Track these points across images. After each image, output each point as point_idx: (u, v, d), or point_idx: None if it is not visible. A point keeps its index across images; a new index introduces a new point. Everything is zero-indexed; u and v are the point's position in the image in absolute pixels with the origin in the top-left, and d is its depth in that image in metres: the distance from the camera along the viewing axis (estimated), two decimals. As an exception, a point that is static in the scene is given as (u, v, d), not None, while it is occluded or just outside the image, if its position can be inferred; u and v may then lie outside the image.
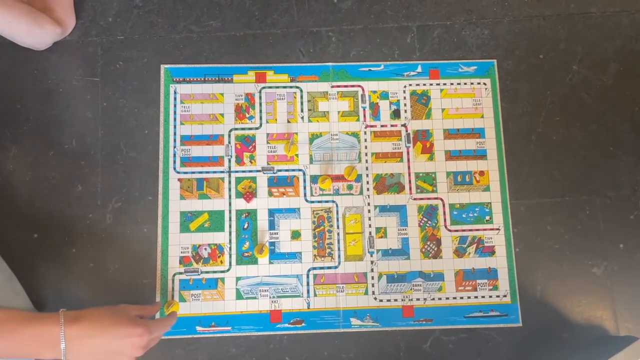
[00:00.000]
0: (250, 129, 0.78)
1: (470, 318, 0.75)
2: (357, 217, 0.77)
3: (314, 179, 0.77)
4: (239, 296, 0.74)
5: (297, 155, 0.78)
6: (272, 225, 0.76)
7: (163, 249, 0.75)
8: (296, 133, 0.78)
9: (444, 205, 0.77)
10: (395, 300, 0.75)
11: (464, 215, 0.77)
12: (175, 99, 0.78)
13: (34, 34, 0.74)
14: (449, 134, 0.79)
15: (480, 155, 0.79)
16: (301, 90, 0.80)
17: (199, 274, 0.74)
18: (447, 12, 0.82)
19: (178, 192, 0.76)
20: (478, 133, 0.79)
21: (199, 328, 0.73)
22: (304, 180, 0.77)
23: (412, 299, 0.75)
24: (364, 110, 0.79)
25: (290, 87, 0.80)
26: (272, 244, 0.75)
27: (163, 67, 0.79)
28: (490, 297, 0.75)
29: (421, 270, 0.76)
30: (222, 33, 0.81)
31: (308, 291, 0.74)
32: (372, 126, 0.79)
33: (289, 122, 0.79)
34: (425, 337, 0.74)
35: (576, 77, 0.81)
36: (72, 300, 0.73)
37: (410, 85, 0.80)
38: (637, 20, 0.83)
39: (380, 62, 0.81)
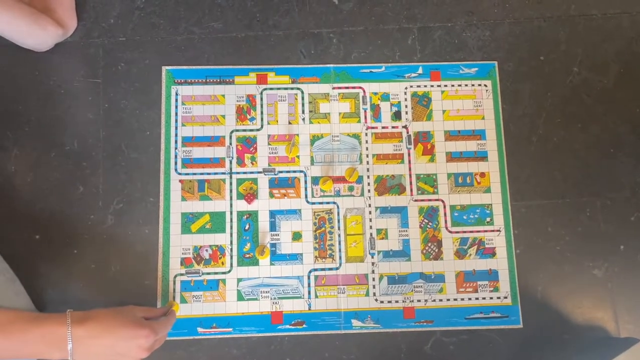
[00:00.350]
0: (251, 130, 0.78)
1: (471, 319, 0.75)
2: (358, 219, 0.77)
3: (315, 180, 0.77)
4: (240, 297, 0.74)
5: (298, 156, 0.78)
6: (273, 227, 0.76)
7: (164, 250, 0.75)
8: (297, 134, 0.78)
9: (444, 207, 0.78)
10: (396, 301, 0.75)
11: (464, 217, 0.77)
12: (176, 100, 0.79)
13: (35, 35, 0.74)
14: (450, 135, 0.79)
15: (481, 156, 0.79)
16: (302, 92, 0.80)
17: (200, 275, 0.74)
18: (448, 14, 0.83)
19: (179, 194, 0.76)
20: (479, 135, 0.80)
21: (200, 329, 0.73)
22: (305, 182, 0.77)
23: (413, 301, 0.75)
24: (365, 111, 0.80)
25: (292, 88, 0.80)
26: (273, 245, 0.76)
27: (164, 68, 0.79)
28: (491, 298, 0.75)
29: (422, 271, 0.76)
30: (224, 34, 0.81)
31: (309, 292, 0.75)
32: (373, 128, 0.79)
33: (290, 123, 0.79)
34: (426, 339, 0.74)
35: (577, 79, 0.82)
36: (73, 301, 0.73)
37: (411, 86, 0.80)
38: (637, 22, 0.83)
39: (381, 63, 0.81)
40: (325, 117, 0.79)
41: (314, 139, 0.78)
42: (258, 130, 0.78)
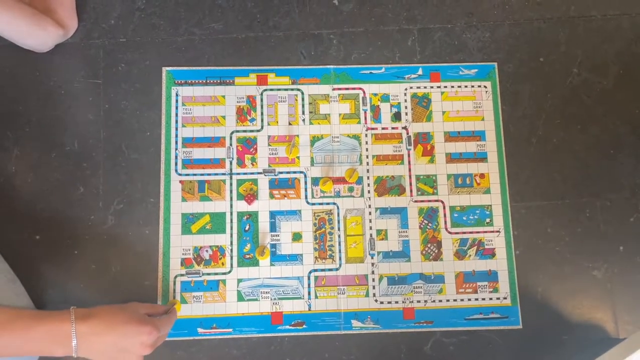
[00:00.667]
0: (251, 131, 0.78)
1: (471, 320, 0.75)
2: (358, 219, 0.77)
3: (315, 181, 0.77)
4: (240, 298, 0.74)
5: (298, 157, 0.78)
6: (273, 227, 0.76)
7: (164, 250, 0.75)
8: (297, 135, 0.79)
9: (444, 208, 0.78)
10: (396, 302, 0.75)
11: (464, 218, 0.78)
12: (177, 101, 0.79)
13: (36, 36, 0.74)
14: (450, 136, 0.80)
15: (481, 157, 0.79)
16: (302, 93, 0.80)
17: (200, 276, 0.74)
18: (448, 15, 0.83)
19: (179, 194, 0.76)
20: (479, 136, 0.80)
21: (200, 330, 0.73)
22: (305, 183, 0.77)
23: (412, 301, 0.75)
24: (365, 112, 0.80)
25: (292, 89, 0.80)
26: (273, 246, 0.76)
27: (165, 69, 0.79)
28: (491, 299, 0.76)
29: (422, 272, 0.76)
30: (224, 35, 0.81)
31: (309, 293, 0.75)
32: (373, 129, 0.79)
33: (290, 124, 0.79)
34: (426, 339, 0.75)
35: (576, 80, 0.82)
36: (73, 302, 0.73)
37: (411, 88, 0.81)
38: (637, 23, 0.84)
39: (381, 64, 0.81)
40: (325, 118, 0.79)
41: (314, 139, 0.79)
42: (258, 131, 0.79)
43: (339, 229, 0.77)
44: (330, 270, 0.75)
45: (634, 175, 0.80)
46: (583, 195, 0.79)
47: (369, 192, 0.78)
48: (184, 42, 0.80)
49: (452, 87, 0.81)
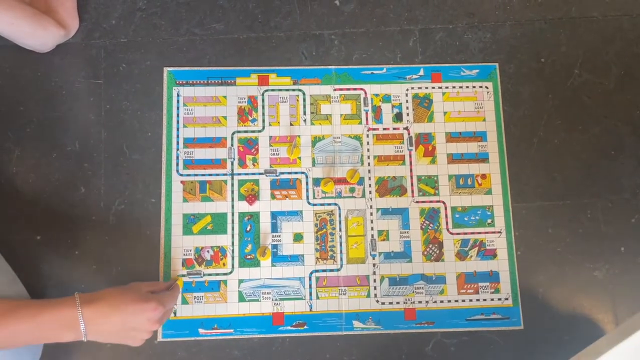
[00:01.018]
0: (253, 131, 0.78)
1: (472, 321, 0.75)
2: (360, 220, 0.77)
3: (317, 181, 0.77)
4: (241, 299, 0.74)
5: (299, 158, 0.78)
6: (274, 228, 0.76)
7: (166, 251, 0.75)
8: (299, 136, 0.78)
9: (445, 208, 0.78)
10: (397, 302, 0.75)
11: (465, 218, 0.78)
12: (178, 101, 0.79)
13: (37, 36, 0.74)
14: (451, 137, 0.80)
15: (482, 158, 0.79)
16: (304, 93, 0.80)
17: (201, 277, 0.74)
18: (449, 16, 0.83)
19: (181, 195, 0.76)
20: (480, 136, 0.80)
21: (201, 330, 0.73)
22: (307, 183, 0.77)
23: (414, 302, 0.75)
24: (367, 113, 0.80)
25: (293, 90, 0.80)
26: (274, 246, 0.76)
27: (166, 69, 0.79)
28: (492, 299, 0.76)
29: (423, 273, 0.76)
30: (225, 36, 0.81)
31: (310, 294, 0.75)
32: (374, 129, 0.79)
33: (291, 124, 0.79)
34: (427, 340, 0.75)
35: (577, 81, 0.82)
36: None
37: (412, 88, 0.81)
38: (638, 24, 0.84)
39: (382, 65, 0.81)
40: (327, 118, 0.79)
41: (315, 140, 0.79)
42: (259, 131, 0.78)
43: (340, 230, 0.77)
44: (331, 270, 0.75)
45: (635, 176, 0.80)
46: (584, 196, 0.79)
47: (370, 192, 0.78)
48: (185, 43, 0.80)
49: (454, 87, 0.81)
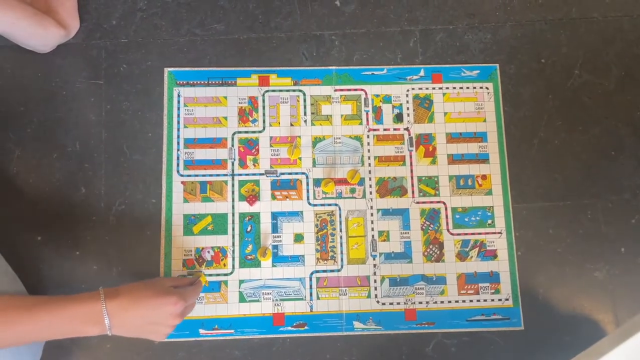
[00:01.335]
0: (253, 132, 0.78)
1: (473, 321, 0.75)
2: (360, 221, 0.77)
3: (317, 182, 0.77)
4: (242, 299, 0.74)
5: (300, 158, 0.78)
6: (275, 229, 0.76)
7: (166, 251, 0.75)
8: (299, 136, 0.79)
9: (446, 209, 0.78)
10: (398, 303, 0.75)
11: (466, 219, 0.78)
12: (178, 102, 0.79)
13: (38, 36, 0.74)
14: (452, 137, 0.80)
15: (483, 159, 0.79)
16: (304, 94, 0.80)
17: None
18: (450, 17, 0.83)
19: (181, 195, 0.76)
20: (480, 137, 0.80)
21: (202, 331, 0.73)
22: (307, 184, 0.77)
23: (414, 302, 0.75)
24: (367, 113, 0.80)
25: (294, 90, 0.80)
26: (275, 247, 0.76)
27: (167, 70, 0.79)
28: (493, 300, 0.76)
29: (423, 273, 0.76)
30: (226, 36, 0.81)
31: (311, 294, 0.75)
32: (375, 130, 0.79)
33: (292, 125, 0.79)
34: (428, 341, 0.75)
35: (578, 82, 0.82)
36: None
37: (413, 89, 0.81)
38: (638, 25, 0.84)
39: (383, 66, 0.81)
40: (327, 119, 0.79)
41: (316, 140, 0.79)
42: (260, 132, 0.79)
43: (340, 230, 0.77)
44: (332, 271, 0.75)
45: (635, 177, 0.80)
46: (584, 196, 0.79)
47: (370, 193, 0.78)
48: (185, 43, 0.80)
49: (454, 88, 0.81)
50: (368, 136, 0.79)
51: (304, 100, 0.80)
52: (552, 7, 0.84)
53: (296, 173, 0.78)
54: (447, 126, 0.80)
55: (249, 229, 0.76)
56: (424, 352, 0.74)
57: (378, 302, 0.75)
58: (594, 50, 0.83)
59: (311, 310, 0.74)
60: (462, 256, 0.77)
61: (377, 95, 0.80)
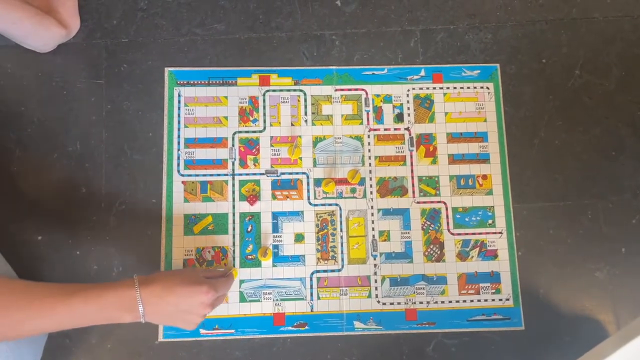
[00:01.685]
0: (254, 132, 0.78)
1: (473, 321, 0.75)
2: (361, 221, 0.77)
3: (318, 182, 0.77)
4: (242, 299, 0.74)
5: (300, 158, 0.78)
6: (275, 228, 0.76)
7: (167, 251, 0.75)
8: (300, 136, 0.78)
9: (447, 209, 0.78)
10: (399, 303, 0.75)
11: (466, 219, 0.78)
12: (179, 101, 0.79)
13: (39, 36, 0.74)
14: (452, 137, 0.80)
15: (483, 159, 0.79)
16: (305, 94, 0.80)
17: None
18: (451, 17, 0.83)
19: (182, 195, 0.76)
20: (481, 137, 0.80)
21: (202, 331, 0.73)
22: (308, 184, 0.77)
23: (415, 302, 0.75)
24: (368, 113, 0.80)
25: (294, 90, 0.80)
26: (275, 247, 0.76)
27: (167, 70, 0.79)
28: (493, 300, 0.76)
29: (424, 273, 0.76)
30: (226, 36, 0.81)
31: (311, 294, 0.75)
32: (375, 130, 0.79)
33: (292, 125, 0.79)
34: (428, 341, 0.75)
35: (578, 82, 0.82)
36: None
37: (413, 89, 0.81)
38: (639, 25, 0.84)
39: (383, 65, 0.81)
40: (328, 119, 0.79)
41: (317, 140, 0.79)
42: (261, 131, 0.78)
43: (341, 230, 0.77)
44: (332, 271, 0.75)
45: (636, 177, 0.80)
46: (585, 196, 0.79)
47: (371, 193, 0.78)
48: (186, 43, 0.80)
49: (455, 88, 0.81)
50: (369, 136, 0.79)
51: (305, 100, 0.80)
52: (553, 7, 0.84)
53: (297, 173, 0.78)
54: (448, 126, 0.80)
55: (249, 229, 0.76)
56: (424, 352, 0.74)
57: (379, 302, 0.75)
58: (595, 51, 0.83)
59: (312, 310, 0.74)
60: (462, 256, 0.76)
61: (378, 95, 0.80)
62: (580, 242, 0.78)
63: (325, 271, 0.75)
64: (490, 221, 0.78)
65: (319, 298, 0.75)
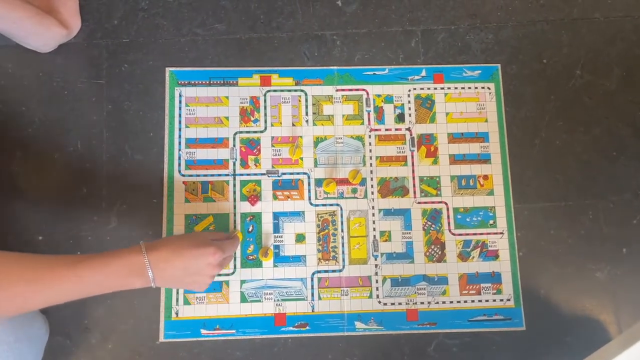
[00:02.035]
0: (255, 132, 0.78)
1: (474, 322, 0.75)
2: (362, 221, 0.77)
3: (319, 182, 0.77)
4: (243, 299, 0.74)
5: (301, 158, 0.78)
6: (276, 229, 0.76)
7: (168, 251, 0.75)
8: (301, 136, 0.78)
9: (448, 209, 0.78)
10: (400, 303, 0.75)
11: (467, 219, 0.78)
12: (180, 102, 0.79)
13: (40, 36, 0.74)
14: (453, 138, 0.80)
15: (484, 159, 0.79)
16: (306, 94, 0.80)
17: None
18: (452, 17, 0.83)
19: (183, 195, 0.76)
20: (482, 137, 0.80)
21: (203, 331, 0.73)
22: (309, 184, 0.77)
23: (416, 303, 0.75)
24: (369, 114, 0.80)
25: (295, 90, 0.80)
26: (276, 247, 0.76)
27: (168, 70, 0.79)
28: (494, 300, 0.76)
29: (425, 273, 0.76)
30: (227, 36, 0.81)
31: (312, 294, 0.75)
32: (376, 130, 0.79)
33: (293, 125, 0.79)
34: (429, 341, 0.75)
35: (579, 82, 0.82)
36: (76, 303, 0.72)
37: (414, 89, 0.81)
38: (639, 25, 0.84)
39: (384, 66, 0.81)
40: (329, 119, 0.79)
41: (318, 140, 0.79)
42: (262, 132, 0.78)
43: (342, 230, 0.76)
44: (333, 271, 0.75)
45: (637, 177, 0.80)
46: (586, 197, 0.79)
47: (372, 193, 0.78)
48: (187, 43, 0.80)
49: (456, 88, 0.81)
50: (370, 136, 0.79)
51: (306, 100, 0.80)
52: (554, 7, 0.84)
53: (298, 173, 0.78)
54: (449, 126, 0.80)
55: (250, 229, 0.76)
56: (425, 352, 0.74)
57: (380, 302, 0.75)
58: (596, 51, 0.83)
59: (313, 311, 0.74)
60: (463, 256, 0.76)
61: (379, 96, 0.80)
62: (581, 243, 0.78)
63: (326, 271, 0.75)
64: (491, 221, 0.78)
65: (320, 298, 0.75)
